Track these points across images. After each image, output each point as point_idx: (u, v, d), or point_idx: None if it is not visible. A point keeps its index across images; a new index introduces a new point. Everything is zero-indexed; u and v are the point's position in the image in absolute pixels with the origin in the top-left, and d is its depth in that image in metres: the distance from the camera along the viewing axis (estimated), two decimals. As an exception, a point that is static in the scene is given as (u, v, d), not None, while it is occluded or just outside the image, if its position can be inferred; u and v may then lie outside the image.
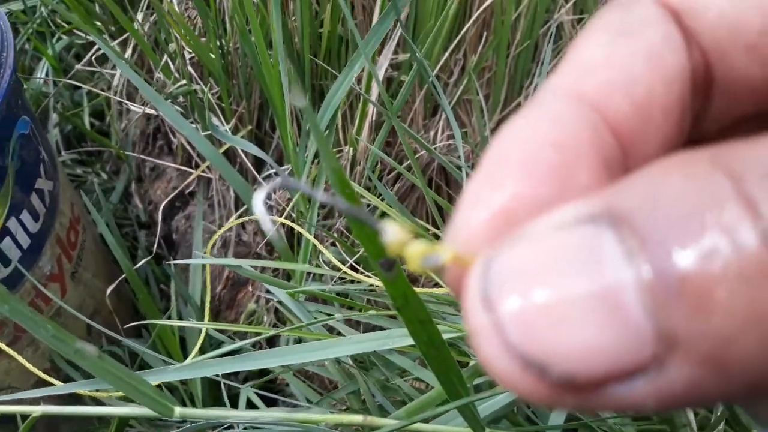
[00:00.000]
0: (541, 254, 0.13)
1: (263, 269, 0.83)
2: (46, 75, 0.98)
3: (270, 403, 0.78)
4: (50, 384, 0.57)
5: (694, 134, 0.18)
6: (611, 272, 0.12)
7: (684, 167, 0.12)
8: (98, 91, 0.89)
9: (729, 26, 0.15)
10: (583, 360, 0.12)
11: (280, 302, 0.66)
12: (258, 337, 0.53)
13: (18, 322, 0.46)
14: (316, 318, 0.63)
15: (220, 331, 0.79)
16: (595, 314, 0.12)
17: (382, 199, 0.71)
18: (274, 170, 0.73)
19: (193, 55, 0.74)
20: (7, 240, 0.71)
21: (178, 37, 0.72)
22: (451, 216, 0.16)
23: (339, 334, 0.67)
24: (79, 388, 0.52)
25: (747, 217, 0.11)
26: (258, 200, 0.17)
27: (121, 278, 0.76)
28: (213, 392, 0.86)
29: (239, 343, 0.49)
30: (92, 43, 0.99)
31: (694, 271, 0.11)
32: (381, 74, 0.67)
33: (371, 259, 0.38)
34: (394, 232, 0.15)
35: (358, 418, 0.48)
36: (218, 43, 0.69)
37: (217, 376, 0.58)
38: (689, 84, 0.16)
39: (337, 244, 0.71)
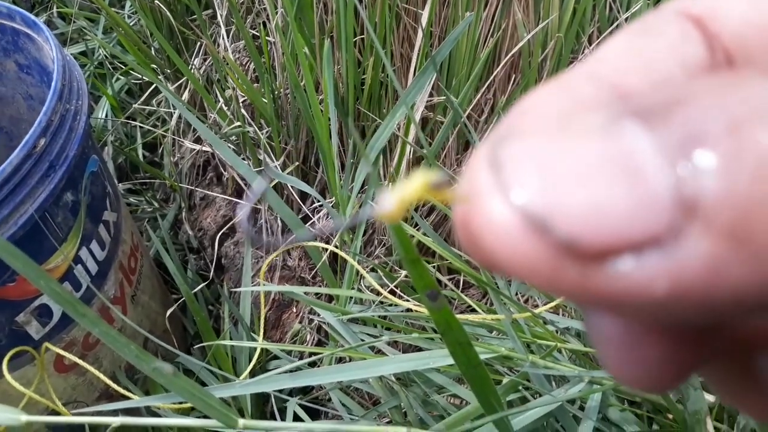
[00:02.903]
0: (552, 130, 0.12)
1: (307, 291, 0.90)
2: (106, 115, 1.06)
3: (313, 415, 0.84)
4: (125, 397, 0.63)
5: None
6: (629, 135, 0.11)
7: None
8: (154, 130, 0.97)
9: (753, 29, 0.15)
10: (591, 220, 0.11)
11: (326, 323, 0.72)
12: (314, 357, 0.59)
13: (106, 342, 0.53)
14: (360, 338, 0.68)
15: (269, 350, 0.85)
16: (607, 173, 0.11)
17: (419, 229, 0.78)
18: (319, 203, 0.80)
19: (246, 98, 0.81)
20: (79, 267, 0.78)
21: (232, 82, 0.79)
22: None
23: (380, 352, 0.73)
24: (153, 401, 0.59)
25: None
26: (243, 217, 0.17)
27: (179, 302, 0.83)
28: (260, 406, 0.93)
29: (297, 363, 0.55)
30: (148, 83, 1.07)
31: (709, 134, 0.11)
32: (417, 116, 0.73)
33: (420, 292, 0.44)
34: (392, 197, 0.14)
35: (402, 430, 0.54)
36: (270, 88, 0.76)
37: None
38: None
39: (378, 269, 0.77)
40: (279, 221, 0.89)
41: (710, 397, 0.64)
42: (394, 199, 0.14)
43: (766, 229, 0.10)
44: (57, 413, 0.75)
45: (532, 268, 0.11)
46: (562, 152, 0.11)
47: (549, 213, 0.11)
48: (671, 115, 0.11)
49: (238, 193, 1.01)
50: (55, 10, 1.28)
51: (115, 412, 0.65)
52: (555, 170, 0.11)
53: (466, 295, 0.87)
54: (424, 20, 0.71)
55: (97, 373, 0.76)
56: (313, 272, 0.93)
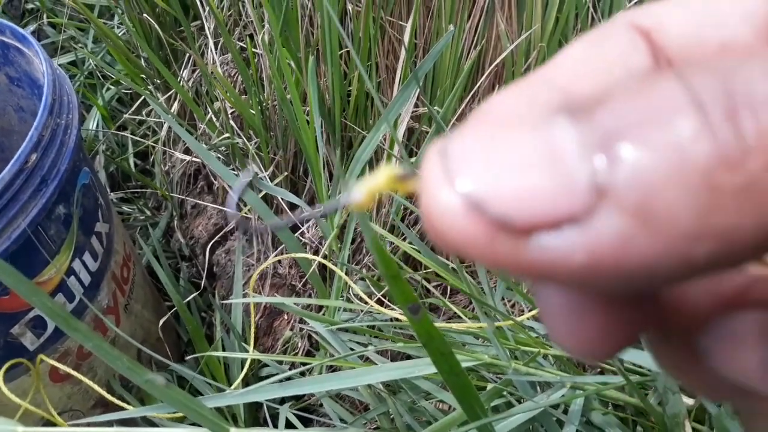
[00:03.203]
0: (496, 125, 0.14)
1: (297, 303, 0.91)
2: (97, 125, 1.07)
3: (304, 421, 0.86)
4: (119, 408, 0.64)
5: None
6: (558, 129, 0.13)
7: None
8: (144, 141, 0.98)
9: (692, 41, 0.17)
10: (519, 201, 0.13)
11: (316, 332, 0.74)
12: (305, 367, 0.60)
13: (99, 356, 0.54)
14: (349, 346, 0.70)
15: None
16: (535, 161, 0.13)
17: (405, 239, 0.79)
18: (307, 212, 0.81)
19: (235, 109, 0.82)
20: (72, 279, 0.79)
21: (221, 94, 0.81)
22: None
23: (368, 360, 0.74)
24: (147, 411, 0.60)
25: (682, 96, 0.12)
26: (231, 203, 0.19)
27: (173, 310, 0.84)
28: (253, 413, 0.94)
29: (288, 372, 0.57)
30: (138, 93, 1.08)
31: (622, 128, 0.13)
32: (403, 128, 0.75)
33: (401, 306, 0.46)
34: (360, 188, 0.16)
35: (389, 437, 0.56)
36: (258, 99, 0.78)
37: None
38: None
39: (366, 278, 0.79)
40: (269, 229, 0.90)
41: (689, 400, 0.65)
42: (362, 190, 0.15)
43: (664, 212, 0.12)
44: (52, 423, 0.76)
45: (473, 244, 0.13)
46: (500, 143, 0.13)
47: (485, 196, 0.13)
48: (594, 112, 0.13)
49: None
50: (45, 20, 1.29)
51: (110, 423, 0.67)
52: (492, 159, 0.13)
53: (452, 301, 0.88)
54: (407, 34, 0.73)
55: (91, 384, 0.77)
56: (304, 280, 0.94)
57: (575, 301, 0.16)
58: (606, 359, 0.15)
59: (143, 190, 1.15)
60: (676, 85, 0.13)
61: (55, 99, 0.73)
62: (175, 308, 0.98)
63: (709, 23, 0.17)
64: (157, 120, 1.04)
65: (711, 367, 0.17)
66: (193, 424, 0.75)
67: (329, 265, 0.72)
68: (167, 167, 1.08)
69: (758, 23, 0.17)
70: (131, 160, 1.13)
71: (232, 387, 0.70)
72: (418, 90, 0.74)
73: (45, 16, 1.28)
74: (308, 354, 0.93)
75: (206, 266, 1.09)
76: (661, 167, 0.12)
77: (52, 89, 0.73)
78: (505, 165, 0.13)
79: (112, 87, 1.13)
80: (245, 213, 0.88)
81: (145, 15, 0.89)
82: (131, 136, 1.04)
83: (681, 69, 0.13)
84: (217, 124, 0.86)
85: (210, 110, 0.86)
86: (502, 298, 0.84)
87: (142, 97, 1.03)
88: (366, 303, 0.71)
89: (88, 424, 0.61)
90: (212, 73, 0.81)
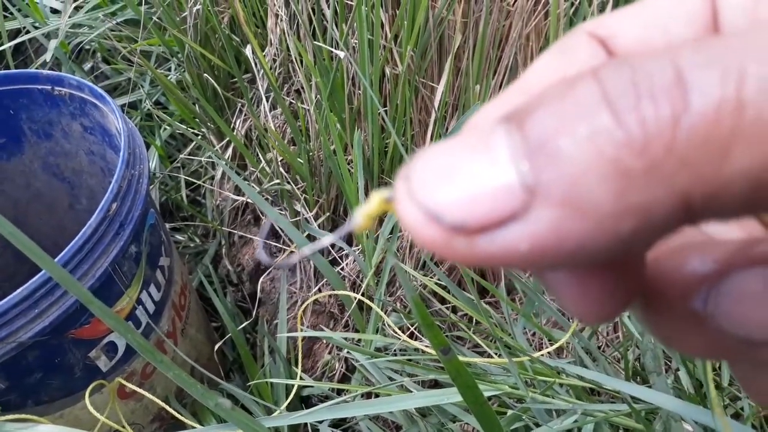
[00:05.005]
0: (449, 148, 0.16)
1: (335, 327, 1.01)
2: (155, 165, 1.18)
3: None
4: (176, 420, 0.74)
5: None
6: (495, 140, 0.15)
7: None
8: (197, 181, 1.09)
9: (642, 46, 0.19)
10: (467, 208, 0.15)
11: (354, 359, 0.83)
12: (354, 394, 0.69)
13: (181, 385, 0.64)
14: (387, 375, 0.79)
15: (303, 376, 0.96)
16: (478, 171, 0.15)
17: (434, 276, 0.88)
18: (345, 251, 0.91)
19: (284, 158, 0.92)
20: (140, 309, 0.90)
21: (272, 145, 0.91)
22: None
23: (402, 385, 0.83)
24: (214, 431, 0.70)
25: (596, 93, 0.14)
26: (260, 251, 0.25)
27: (219, 330, 0.94)
28: (294, 427, 1.04)
29: (337, 399, 0.66)
30: (192, 132, 1.19)
31: (545, 132, 0.14)
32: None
33: (434, 348, 0.55)
34: (360, 213, 0.18)
35: (422, 456, 0.65)
36: (305, 149, 0.88)
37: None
38: None
39: (398, 311, 0.88)
40: (311, 263, 1.00)
41: (689, 427, 0.73)
42: (361, 214, 0.18)
43: (587, 198, 0.14)
44: (124, 436, 0.86)
45: (435, 245, 0.16)
46: (451, 157, 0.15)
47: (439, 209, 0.15)
48: (524, 120, 0.15)
49: (274, 234, 1.12)
50: (105, 65, 1.41)
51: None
52: (444, 175, 0.15)
53: (477, 329, 0.97)
54: (437, 97, 0.82)
55: (155, 399, 0.88)
56: (341, 307, 1.04)
57: (572, 278, 0.18)
58: (609, 321, 0.20)
59: (192, 223, 1.25)
60: (591, 83, 0.14)
61: (130, 153, 0.83)
62: (220, 326, 1.08)
63: (657, 29, 0.19)
64: (209, 159, 1.15)
65: (715, 329, 0.18)
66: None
67: (368, 303, 0.81)
68: (217, 202, 1.19)
69: (697, 27, 0.19)
70: (183, 193, 1.24)
71: (283, 407, 0.79)
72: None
73: (101, 60, 1.40)
74: (344, 376, 1.03)
75: (249, 291, 1.19)
76: (579, 161, 0.14)
77: (128, 144, 0.83)
78: (454, 177, 0.15)
79: (168, 127, 1.25)
80: (293, 249, 0.98)
81: (203, 72, 0.99)
82: (185, 177, 1.14)
83: (597, 68, 0.15)
84: (268, 171, 0.96)
85: (263, 160, 0.96)
86: (524, 329, 0.92)
87: (196, 141, 1.14)
88: (399, 336, 0.81)
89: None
90: (265, 128, 0.91)
